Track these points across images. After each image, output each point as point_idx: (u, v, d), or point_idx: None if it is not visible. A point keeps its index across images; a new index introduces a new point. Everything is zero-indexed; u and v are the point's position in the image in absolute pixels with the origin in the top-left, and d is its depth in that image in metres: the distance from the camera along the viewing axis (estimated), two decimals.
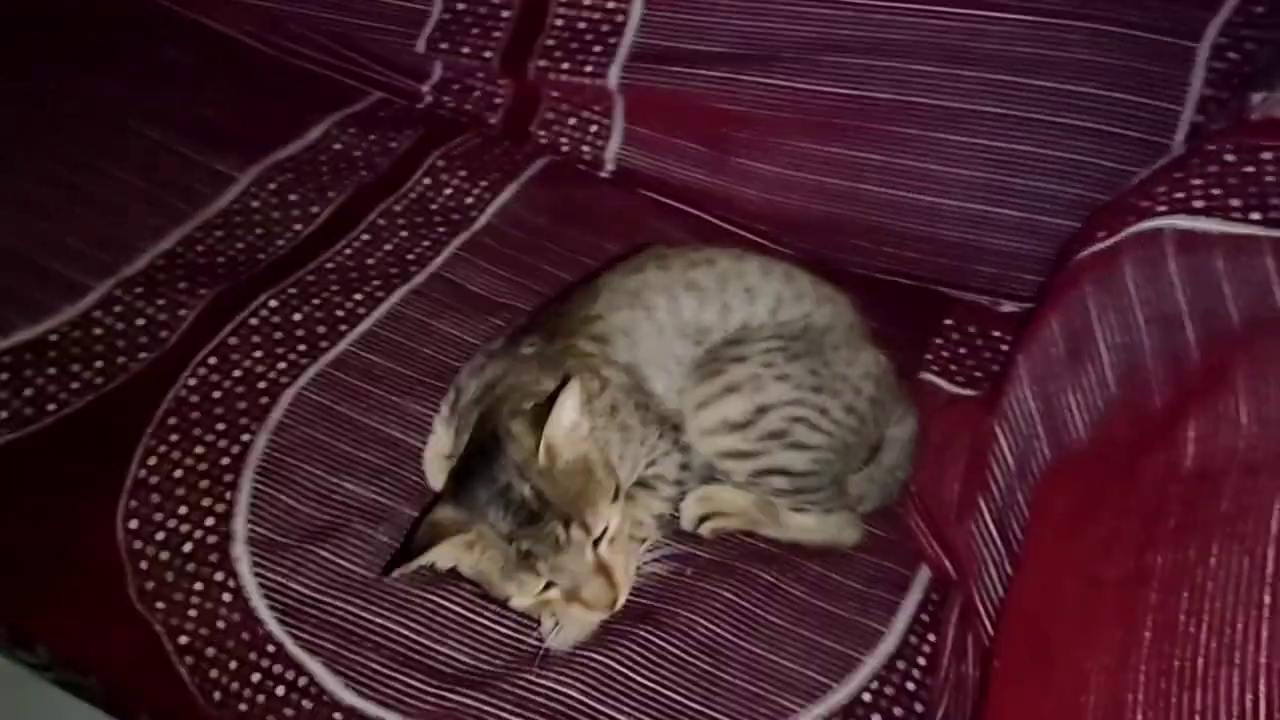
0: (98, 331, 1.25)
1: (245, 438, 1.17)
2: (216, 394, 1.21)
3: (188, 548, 1.11)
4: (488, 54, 1.55)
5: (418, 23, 1.58)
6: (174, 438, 1.17)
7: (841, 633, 1.08)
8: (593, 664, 1.03)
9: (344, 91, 1.61)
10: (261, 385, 1.22)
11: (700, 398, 1.11)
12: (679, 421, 1.14)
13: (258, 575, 1.09)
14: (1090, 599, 0.86)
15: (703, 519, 1.15)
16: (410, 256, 1.38)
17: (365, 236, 1.40)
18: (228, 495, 1.13)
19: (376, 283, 1.34)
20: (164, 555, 1.10)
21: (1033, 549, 1.01)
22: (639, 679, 1.03)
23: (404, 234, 1.41)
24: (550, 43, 1.53)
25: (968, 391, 1.31)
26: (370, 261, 1.37)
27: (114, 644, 1.12)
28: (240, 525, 1.12)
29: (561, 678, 1.03)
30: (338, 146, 1.51)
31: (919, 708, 1.04)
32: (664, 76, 1.47)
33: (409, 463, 1.17)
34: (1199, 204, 1.04)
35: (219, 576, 1.09)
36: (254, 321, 1.27)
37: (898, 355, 1.23)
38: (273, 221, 1.40)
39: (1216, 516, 0.82)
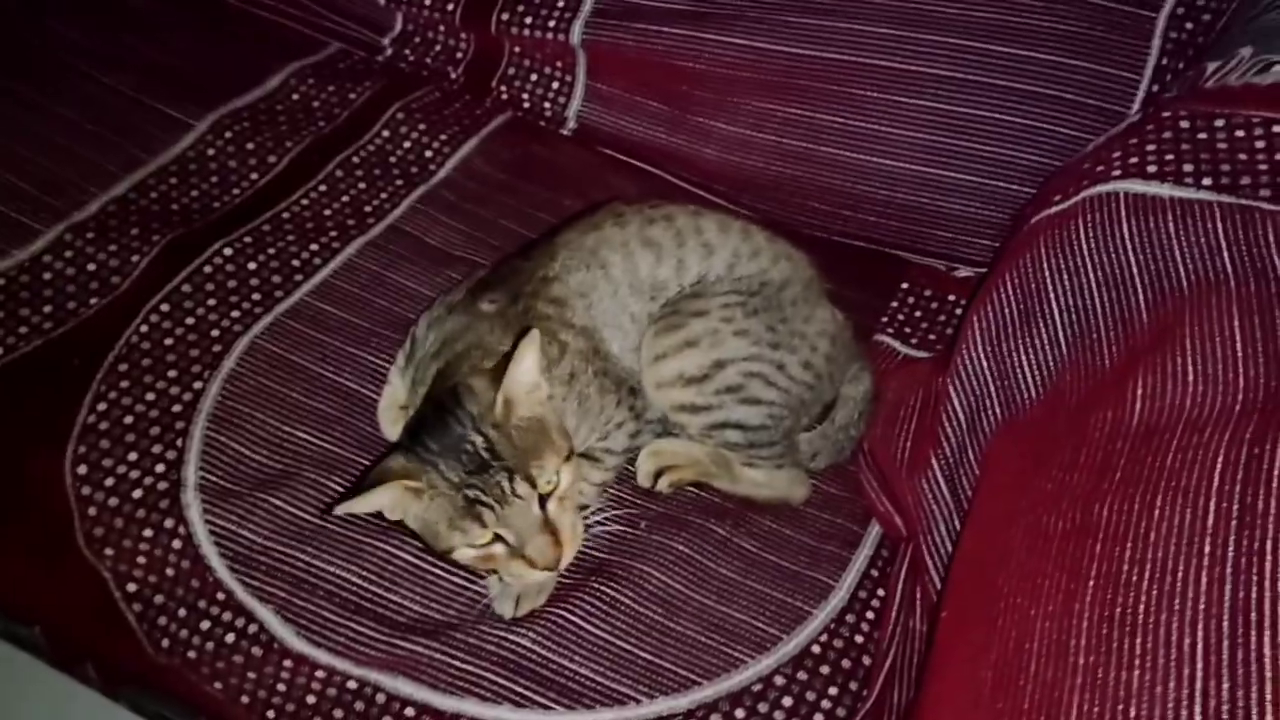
0: (47, 276, 1.23)
1: (197, 385, 1.16)
2: (169, 341, 1.19)
3: (137, 494, 1.09)
4: (450, 6, 1.53)
5: None
6: (125, 384, 1.15)
7: (792, 586, 1.09)
8: (545, 613, 1.04)
9: (304, 41, 1.59)
10: (215, 333, 1.20)
11: (658, 349, 1.11)
12: (635, 384, 1.14)
13: (208, 522, 1.08)
14: (1037, 549, 0.88)
15: (658, 474, 1.15)
16: (368, 209, 1.36)
17: (322, 188, 1.38)
18: (179, 442, 1.12)
19: (333, 234, 1.32)
20: (113, 501, 1.09)
21: (981, 503, 1.03)
22: (591, 628, 1.04)
23: (362, 186, 1.39)
24: None
25: (922, 353, 1.32)
26: (327, 213, 1.35)
27: (60, 591, 1.11)
28: (191, 472, 1.11)
29: (513, 627, 1.03)
30: (296, 96, 1.49)
31: (866, 660, 1.06)
32: (626, 33, 1.46)
33: (363, 413, 1.17)
34: (1152, 169, 1.05)
35: (169, 523, 1.08)
36: (208, 269, 1.25)
37: (854, 317, 1.24)
38: (229, 170, 1.38)
39: (1161, 470, 0.83)
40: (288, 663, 1.04)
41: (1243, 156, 1.03)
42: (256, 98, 1.47)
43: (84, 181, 1.32)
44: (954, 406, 1.11)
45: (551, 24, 1.49)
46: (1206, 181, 1.03)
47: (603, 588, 1.06)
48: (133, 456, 1.11)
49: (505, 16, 1.51)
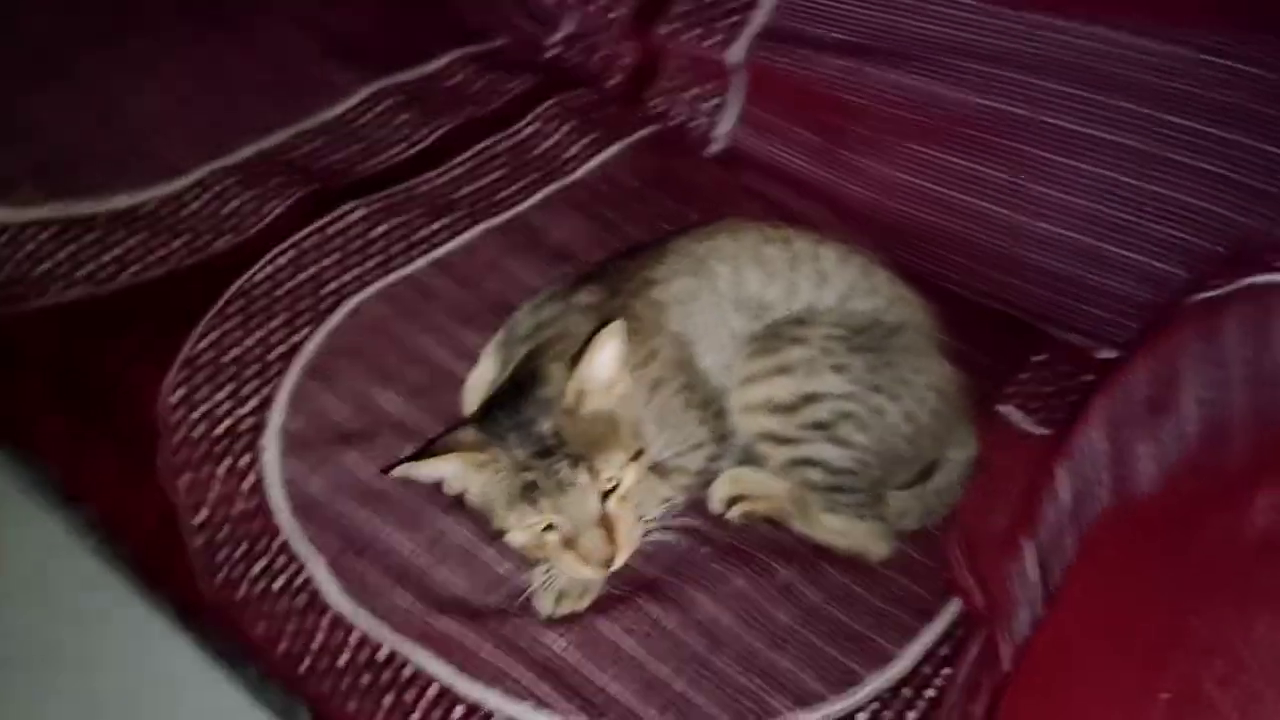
0: (187, 211, 1.29)
1: (301, 335, 1.18)
2: (283, 289, 1.22)
3: (221, 429, 1.12)
4: (616, 13, 1.54)
5: None
6: (233, 323, 1.19)
7: (850, 646, 1.02)
8: (584, 620, 1.00)
9: (475, 30, 1.62)
10: (328, 288, 1.23)
11: (749, 371, 1.07)
12: (723, 406, 1.09)
13: (281, 467, 1.09)
14: (1120, 649, 0.80)
15: (732, 501, 1.10)
16: (499, 196, 1.37)
17: (461, 169, 1.40)
18: (271, 386, 1.14)
19: (461, 214, 1.33)
20: (197, 432, 1.12)
21: (1072, 591, 0.94)
22: (627, 646, 0.99)
23: (499, 173, 1.40)
24: (684, 8, 1.50)
25: (1042, 431, 1.23)
26: (460, 193, 1.37)
27: (135, 508, 1.15)
28: (276, 416, 1.12)
29: (549, 627, 1.00)
30: (457, 79, 1.52)
31: None
32: (789, 58, 1.43)
33: (451, 389, 1.16)
34: None
35: (244, 462, 1.10)
36: (336, 227, 1.29)
37: (976, 381, 1.16)
38: (377, 139, 1.42)
39: (1270, 589, 0.74)
40: (326, 619, 1.04)
41: None
42: (419, 75, 1.51)
43: (242, 129, 1.38)
44: (1060, 488, 1.02)
45: (714, 40, 1.48)
46: None
47: (648, 606, 1.01)
48: (225, 392, 1.14)
49: (668, 28, 1.50)
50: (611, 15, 1.54)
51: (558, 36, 1.61)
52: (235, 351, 1.17)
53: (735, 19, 1.47)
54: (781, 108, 1.47)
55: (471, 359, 1.18)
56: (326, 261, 1.25)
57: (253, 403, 1.13)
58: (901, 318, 1.11)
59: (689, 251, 1.11)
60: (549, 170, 1.42)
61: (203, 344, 1.17)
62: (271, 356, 1.16)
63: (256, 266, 1.23)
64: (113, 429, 1.15)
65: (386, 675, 1.01)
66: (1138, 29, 1.27)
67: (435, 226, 1.31)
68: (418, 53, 1.54)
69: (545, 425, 0.95)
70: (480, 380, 1.15)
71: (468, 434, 0.98)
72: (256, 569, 1.07)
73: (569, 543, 0.95)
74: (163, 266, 1.24)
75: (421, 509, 1.07)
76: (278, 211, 1.29)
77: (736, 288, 1.09)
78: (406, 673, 1.00)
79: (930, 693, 1.01)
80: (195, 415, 1.13)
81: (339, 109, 1.44)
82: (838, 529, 1.10)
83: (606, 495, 0.96)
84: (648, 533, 1.02)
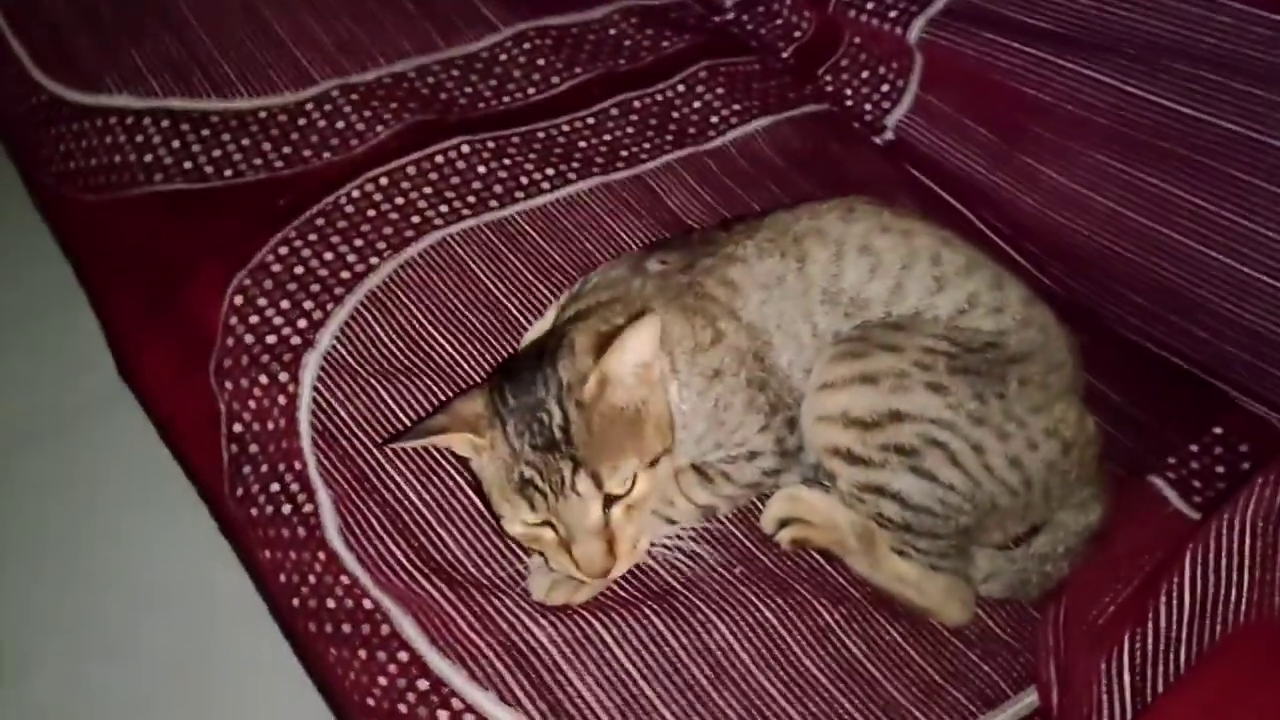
0: (302, 121, 1.25)
1: (373, 260, 1.12)
2: (370, 212, 1.16)
3: (272, 340, 1.07)
4: None
5: None
6: (312, 237, 1.14)
7: (886, 716, 0.85)
8: (577, 615, 0.88)
9: None
10: (415, 219, 1.16)
11: (827, 376, 0.91)
12: (796, 414, 0.94)
13: (314, 389, 1.03)
14: None
15: (784, 523, 0.95)
16: (624, 152, 1.27)
17: (590, 120, 1.30)
18: (329, 306, 1.08)
19: (575, 164, 1.24)
20: (250, 339, 1.07)
21: (1162, 709, 0.73)
22: (619, 655, 0.86)
23: (629, 130, 1.30)
24: None
25: (1198, 515, 1.00)
26: (581, 144, 1.27)
27: (184, 404, 1.12)
28: (325, 338, 1.06)
29: (537, 615, 0.88)
30: (613, 31, 1.42)
31: None
32: (971, 40, 1.25)
33: (510, 339, 1.07)
34: None
35: (283, 377, 1.04)
36: (439, 159, 1.21)
37: (1131, 440, 0.96)
38: (511, 78, 1.34)
39: None
40: (322, 555, 0.96)
41: None
42: (573, 21, 1.42)
43: (376, 50, 1.33)
44: (1183, 582, 0.81)
45: (894, 14, 1.31)
46: None
47: (654, 617, 0.88)
48: (284, 305, 1.09)
49: None
50: None
51: (735, 0, 1.49)
52: (306, 266, 1.11)
53: None
54: (958, 98, 1.29)
55: (540, 314, 1.09)
56: (420, 192, 1.18)
57: (304, 322, 1.07)
58: (1030, 345, 0.92)
59: (783, 228, 0.96)
60: (684, 134, 1.30)
61: (277, 253, 1.12)
62: (339, 278, 1.11)
63: (350, 185, 1.18)
64: (178, 320, 1.13)
65: (365, 629, 0.92)
66: None
67: (542, 174, 1.22)
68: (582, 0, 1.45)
69: (554, 414, 0.83)
70: (537, 333, 1.04)
71: (472, 406, 0.87)
72: (271, 489, 1.01)
73: (565, 546, 0.84)
74: (261, 172, 1.20)
75: (438, 462, 0.98)
76: (385, 135, 1.23)
77: (831, 278, 0.93)
78: (384, 630, 0.91)
79: None
80: (251, 321, 1.08)
81: (479, 45, 1.37)
82: (907, 577, 0.92)
83: (611, 501, 0.83)
84: (655, 545, 0.89)
